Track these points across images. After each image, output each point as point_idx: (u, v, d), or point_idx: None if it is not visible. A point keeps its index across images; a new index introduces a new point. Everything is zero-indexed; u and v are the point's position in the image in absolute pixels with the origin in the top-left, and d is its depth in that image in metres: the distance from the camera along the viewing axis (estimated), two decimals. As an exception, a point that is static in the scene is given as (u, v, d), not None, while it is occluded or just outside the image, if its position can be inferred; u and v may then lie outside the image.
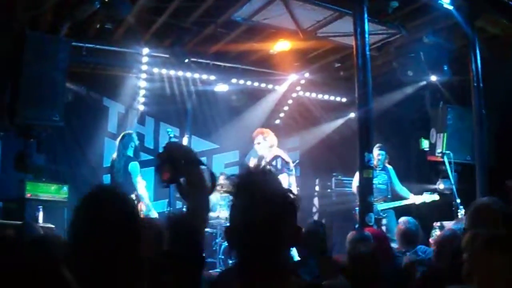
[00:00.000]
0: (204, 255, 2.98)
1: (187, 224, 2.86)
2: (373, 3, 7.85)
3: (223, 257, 9.56)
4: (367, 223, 6.97)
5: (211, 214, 10.16)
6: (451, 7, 7.87)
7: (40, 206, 8.55)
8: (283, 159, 8.85)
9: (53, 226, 8.12)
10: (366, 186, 7.24)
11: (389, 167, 10.22)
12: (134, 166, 9.15)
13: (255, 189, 2.15)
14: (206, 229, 9.88)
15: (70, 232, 2.52)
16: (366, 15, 7.37)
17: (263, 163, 8.59)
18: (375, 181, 8.36)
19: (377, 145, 9.62)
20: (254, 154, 9.43)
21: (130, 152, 9.38)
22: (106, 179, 10.78)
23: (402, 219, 6.69)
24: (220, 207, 10.53)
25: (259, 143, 9.00)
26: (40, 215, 8.44)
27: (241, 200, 2.17)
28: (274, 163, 8.73)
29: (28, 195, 8.88)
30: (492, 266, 2.86)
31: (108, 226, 2.43)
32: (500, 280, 2.83)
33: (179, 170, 2.93)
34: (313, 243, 6.17)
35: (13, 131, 9.19)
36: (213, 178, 2.93)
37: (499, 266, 2.83)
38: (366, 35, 7.35)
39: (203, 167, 2.96)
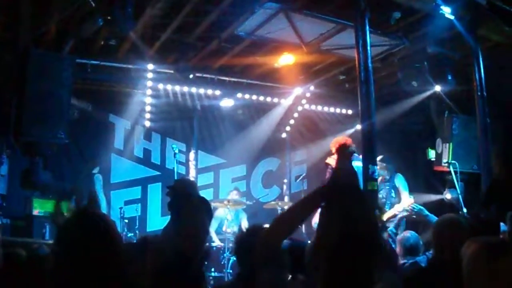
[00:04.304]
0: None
1: None
2: (375, 14, 7.82)
3: (231, 271, 9.52)
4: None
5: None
6: (452, 17, 7.85)
7: (47, 223, 8.57)
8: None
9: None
10: (370, 199, 7.15)
11: (398, 175, 9.72)
12: None
13: None
14: (214, 244, 9.94)
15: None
16: (368, 27, 7.35)
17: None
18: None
19: (379, 157, 9.32)
20: None
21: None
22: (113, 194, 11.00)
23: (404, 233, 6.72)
24: (227, 221, 10.54)
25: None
26: (47, 231, 8.46)
27: None
28: None
29: (35, 212, 8.93)
30: None
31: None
32: None
33: None
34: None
35: (18, 149, 9.24)
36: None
37: None
38: (368, 47, 7.29)
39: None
